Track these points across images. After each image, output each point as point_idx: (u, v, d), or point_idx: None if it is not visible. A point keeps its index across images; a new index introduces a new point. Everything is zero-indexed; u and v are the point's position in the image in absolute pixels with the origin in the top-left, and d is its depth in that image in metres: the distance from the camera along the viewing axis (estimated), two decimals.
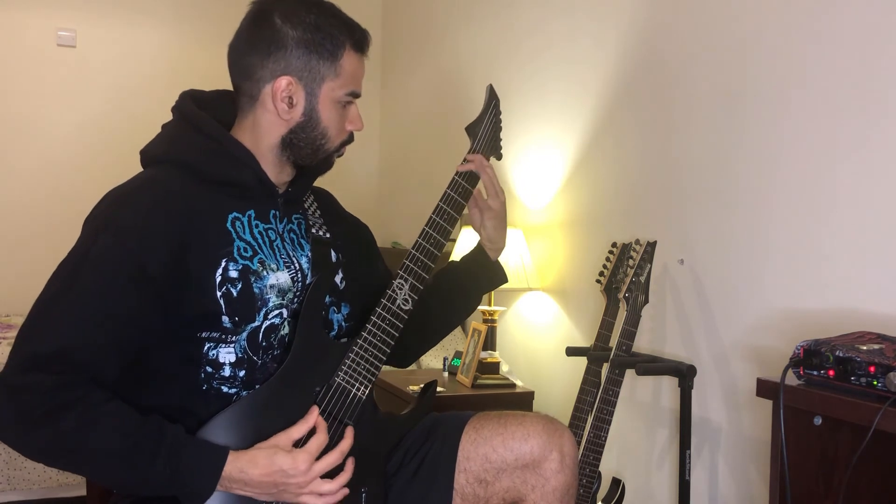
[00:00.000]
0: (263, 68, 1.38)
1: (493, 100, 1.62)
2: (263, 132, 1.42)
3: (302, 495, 1.32)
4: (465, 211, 1.60)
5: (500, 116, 1.64)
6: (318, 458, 1.33)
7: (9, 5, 4.06)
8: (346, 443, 1.38)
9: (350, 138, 1.48)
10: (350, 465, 1.38)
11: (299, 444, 1.34)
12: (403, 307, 1.47)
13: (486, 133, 1.60)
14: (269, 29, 1.38)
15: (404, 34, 4.45)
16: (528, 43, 3.15)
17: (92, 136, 4.17)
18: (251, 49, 1.39)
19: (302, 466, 1.30)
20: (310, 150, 1.43)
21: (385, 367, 1.51)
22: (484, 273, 1.67)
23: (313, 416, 1.36)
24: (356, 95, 1.45)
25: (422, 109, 4.19)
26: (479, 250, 1.66)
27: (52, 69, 4.13)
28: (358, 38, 1.42)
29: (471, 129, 1.60)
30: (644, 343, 2.43)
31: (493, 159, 1.63)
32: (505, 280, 1.70)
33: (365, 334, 1.44)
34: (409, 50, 4.36)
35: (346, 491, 1.36)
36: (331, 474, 1.35)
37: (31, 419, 1.20)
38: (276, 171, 1.44)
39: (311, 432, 1.36)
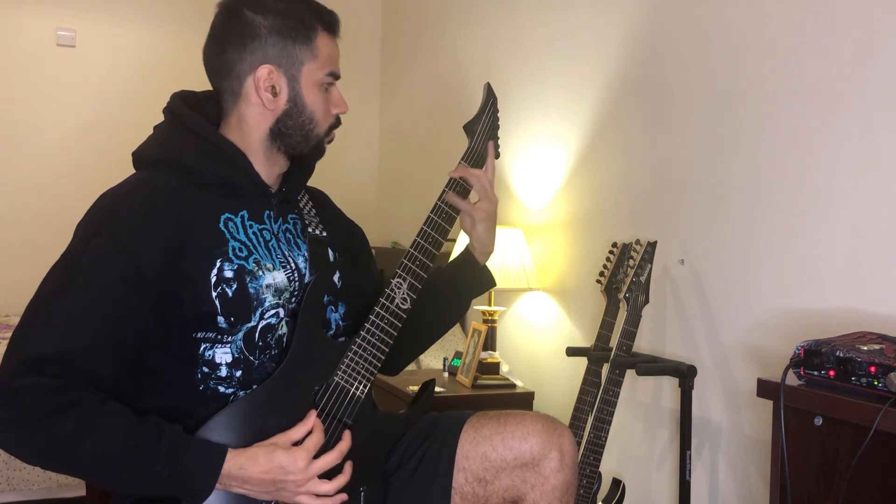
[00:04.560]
0: (242, 62, 1.39)
1: (490, 98, 1.61)
2: (251, 127, 1.42)
3: (299, 494, 1.32)
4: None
5: (498, 115, 1.63)
6: (317, 457, 1.33)
7: (8, 4, 4.06)
8: (345, 444, 1.38)
9: (337, 122, 1.48)
10: (348, 468, 1.38)
11: (298, 444, 1.34)
12: (402, 306, 1.46)
13: (483, 131, 1.59)
14: (240, 22, 1.40)
15: (403, 34, 4.45)
16: (527, 41, 3.14)
17: (91, 136, 4.17)
18: (226, 46, 1.41)
19: (301, 464, 1.30)
20: (300, 138, 1.43)
21: (382, 374, 1.51)
22: (471, 278, 1.66)
23: (311, 418, 1.36)
24: (336, 76, 1.46)
25: (421, 109, 4.19)
26: (467, 255, 1.65)
27: (52, 69, 4.13)
28: (328, 20, 1.44)
29: (468, 128, 1.59)
30: (644, 343, 2.43)
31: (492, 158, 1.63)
32: (493, 284, 1.70)
33: (363, 333, 1.44)
34: (409, 49, 4.36)
35: (343, 496, 1.36)
36: (328, 475, 1.35)
37: (28, 423, 1.20)
38: (269, 166, 1.44)
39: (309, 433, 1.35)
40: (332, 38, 1.45)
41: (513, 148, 3.14)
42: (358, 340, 1.43)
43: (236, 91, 1.41)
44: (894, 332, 1.56)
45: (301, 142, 1.44)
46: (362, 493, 1.42)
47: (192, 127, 1.41)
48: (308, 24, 1.41)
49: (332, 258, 1.51)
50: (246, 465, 1.27)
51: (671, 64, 2.41)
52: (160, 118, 1.48)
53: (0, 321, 3.69)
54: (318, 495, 1.33)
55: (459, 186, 1.55)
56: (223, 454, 1.27)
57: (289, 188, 1.49)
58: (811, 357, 1.46)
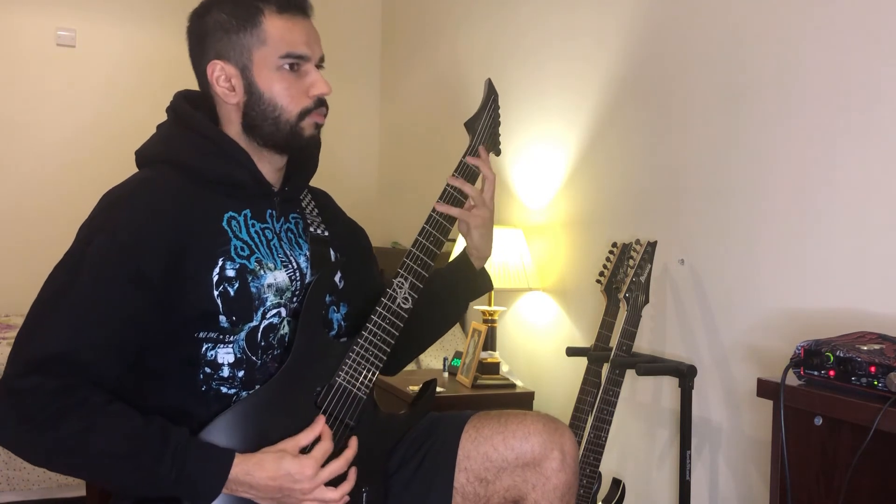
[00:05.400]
0: (201, 64, 1.41)
1: (491, 94, 1.60)
2: (227, 125, 1.43)
3: (305, 501, 1.31)
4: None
5: (499, 111, 1.63)
6: (324, 465, 1.33)
7: (8, 4, 4.06)
8: (351, 451, 1.38)
9: (315, 105, 1.41)
10: (353, 475, 1.37)
11: (305, 451, 1.34)
12: (404, 306, 1.46)
13: (484, 128, 1.58)
14: (194, 28, 1.42)
15: (403, 33, 4.45)
16: (527, 40, 3.14)
17: (92, 136, 4.17)
18: (191, 53, 1.43)
19: (308, 472, 1.29)
20: (271, 127, 1.39)
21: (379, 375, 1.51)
22: (468, 282, 1.66)
23: (320, 424, 1.36)
24: (300, 57, 1.39)
25: (421, 108, 4.19)
26: (463, 258, 1.65)
27: (52, 69, 4.13)
28: (280, 0, 1.38)
29: (470, 125, 1.58)
30: (644, 343, 2.43)
31: (491, 156, 1.62)
32: (490, 288, 1.69)
33: (365, 334, 1.43)
34: (409, 49, 4.36)
35: (347, 500, 1.36)
36: (334, 482, 1.34)
37: (33, 423, 1.20)
38: (263, 163, 1.43)
39: (317, 440, 1.35)
40: (291, 17, 1.39)
41: (513, 148, 3.14)
42: (360, 341, 1.43)
43: (210, 93, 1.42)
44: (894, 332, 1.56)
45: (274, 131, 1.40)
46: (364, 494, 1.41)
47: (194, 126, 1.41)
48: (250, 9, 1.37)
49: (333, 258, 1.51)
50: (253, 470, 1.27)
51: (671, 64, 2.41)
52: (161, 118, 1.48)
53: (0, 321, 3.69)
54: (324, 501, 1.33)
55: (452, 197, 1.54)
56: (231, 459, 1.27)
57: (291, 187, 1.48)
58: (811, 357, 1.46)
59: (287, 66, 1.38)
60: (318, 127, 1.44)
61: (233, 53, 1.38)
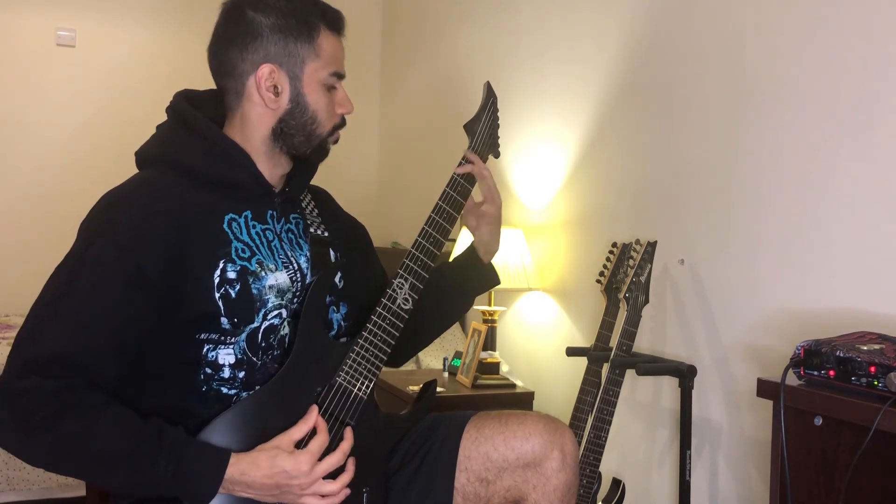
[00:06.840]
0: (244, 61, 1.39)
1: (490, 97, 1.61)
2: (253, 126, 1.41)
3: (304, 496, 1.31)
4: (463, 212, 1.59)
5: (498, 114, 1.63)
6: (320, 458, 1.33)
7: (8, 4, 4.06)
8: (347, 443, 1.38)
9: (342, 122, 1.47)
10: (351, 466, 1.38)
11: (300, 444, 1.34)
12: (404, 306, 1.46)
13: (484, 131, 1.59)
14: (242, 21, 1.39)
15: (404, 33, 4.45)
16: (528, 41, 3.14)
17: (92, 136, 4.17)
18: (228, 45, 1.40)
19: (304, 467, 1.30)
20: (302, 138, 1.42)
21: (385, 367, 1.51)
22: (476, 275, 1.67)
23: (313, 416, 1.36)
24: (340, 76, 1.44)
25: (421, 108, 4.19)
26: (471, 252, 1.66)
27: (52, 69, 4.13)
28: (331, 19, 1.42)
29: (469, 127, 1.60)
30: (644, 343, 2.43)
31: (490, 158, 1.63)
32: (497, 282, 1.70)
33: (366, 334, 1.44)
34: (409, 49, 4.36)
35: (347, 491, 1.36)
36: (332, 475, 1.35)
37: (30, 424, 1.20)
38: (272, 166, 1.43)
39: (312, 433, 1.35)
40: (337, 37, 1.44)
41: (513, 148, 3.14)
42: (360, 341, 1.43)
43: (239, 90, 1.40)
44: (894, 332, 1.56)
45: (304, 142, 1.42)
46: (365, 494, 1.42)
47: (194, 126, 1.40)
48: (310, 23, 1.39)
49: (333, 258, 1.51)
50: (248, 470, 1.27)
51: (671, 64, 2.41)
52: (160, 118, 1.47)
53: (0, 321, 3.69)
54: (323, 495, 1.33)
55: (462, 186, 1.54)
56: (226, 459, 1.27)
57: (292, 188, 1.48)
58: (811, 357, 1.46)
59: (331, 84, 1.42)
60: (336, 142, 1.48)
61: (286, 60, 1.38)
